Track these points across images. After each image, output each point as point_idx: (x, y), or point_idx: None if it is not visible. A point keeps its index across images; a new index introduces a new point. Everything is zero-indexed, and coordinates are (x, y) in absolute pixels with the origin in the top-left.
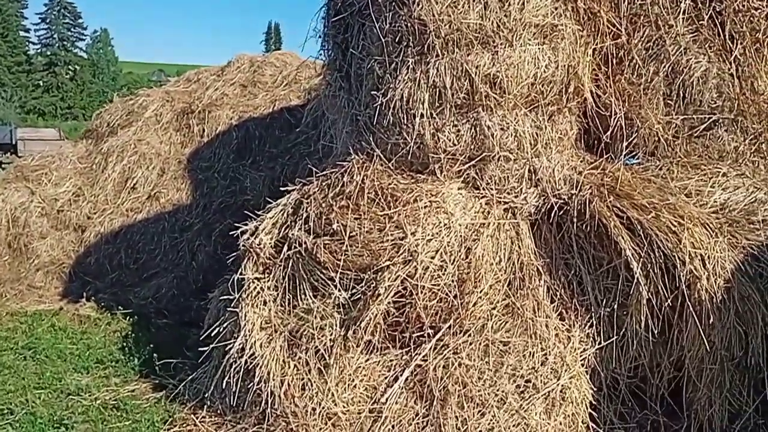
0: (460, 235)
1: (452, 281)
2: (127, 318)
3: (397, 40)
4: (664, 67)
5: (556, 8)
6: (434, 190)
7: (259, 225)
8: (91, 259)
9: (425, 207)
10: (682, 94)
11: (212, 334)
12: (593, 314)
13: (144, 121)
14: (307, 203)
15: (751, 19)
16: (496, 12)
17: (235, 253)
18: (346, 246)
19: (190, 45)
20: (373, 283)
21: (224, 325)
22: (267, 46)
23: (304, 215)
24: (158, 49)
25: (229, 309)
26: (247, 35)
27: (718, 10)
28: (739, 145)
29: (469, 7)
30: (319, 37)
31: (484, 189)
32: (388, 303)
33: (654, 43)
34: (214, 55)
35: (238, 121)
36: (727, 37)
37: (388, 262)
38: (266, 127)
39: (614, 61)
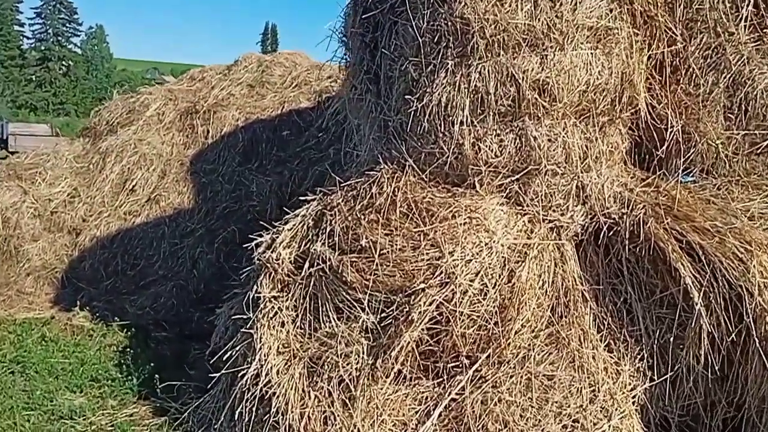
0: (503, 257)
1: (493, 307)
2: (124, 330)
3: (435, 40)
4: (725, 77)
5: (611, 10)
6: (474, 205)
7: (276, 237)
8: (85, 265)
9: (464, 224)
10: (744, 107)
11: (219, 354)
12: (644, 346)
13: (145, 120)
14: (331, 215)
15: None
16: (547, 12)
17: (239, 263)
18: (376, 265)
19: (186, 44)
20: (405, 307)
21: (236, 347)
22: (263, 46)
23: (328, 228)
24: (152, 46)
25: (242, 329)
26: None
27: None
28: None
29: (517, 6)
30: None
31: (527, 205)
32: (422, 330)
33: (713, 51)
34: (209, 55)
35: (244, 123)
36: None
37: (423, 285)
38: (274, 129)
39: (669, 70)
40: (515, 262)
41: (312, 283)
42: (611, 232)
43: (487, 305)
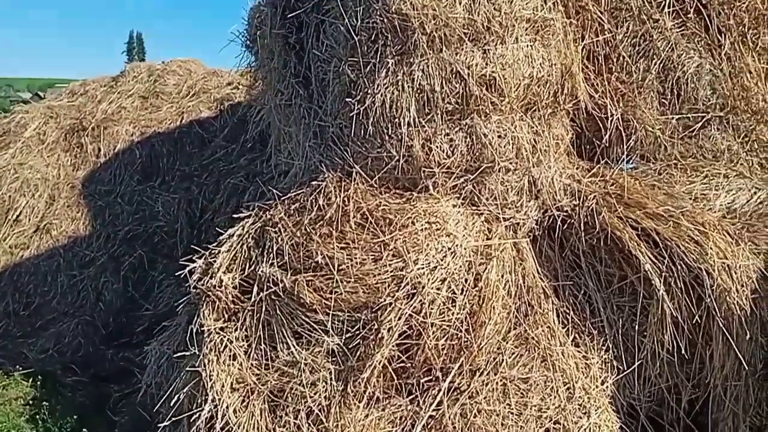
0: (467, 261)
1: (463, 314)
2: (29, 379)
3: (371, 38)
4: (655, 63)
5: (545, 1)
6: (431, 209)
7: (213, 261)
8: None
9: (424, 230)
10: (676, 92)
11: (151, 397)
12: (607, 337)
13: (24, 141)
14: (275, 232)
15: (737, 11)
16: (485, 5)
17: (150, 291)
18: (336, 282)
19: (40, 57)
20: (373, 325)
21: (179, 388)
22: (130, 56)
23: (275, 247)
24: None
25: (184, 367)
26: (105, 47)
27: (703, 2)
28: (732, 144)
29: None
30: (244, 41)
31: (482, 205)
32: (392, 346)
33: (641, 38)
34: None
35: (140, 138)
36: (715, 31)
37: (389, 299)
38: (174, 142)
39: (602, 59)
40: (479, 264)
41: (263, 308)
42: (565, 225)
43: (458, 313)
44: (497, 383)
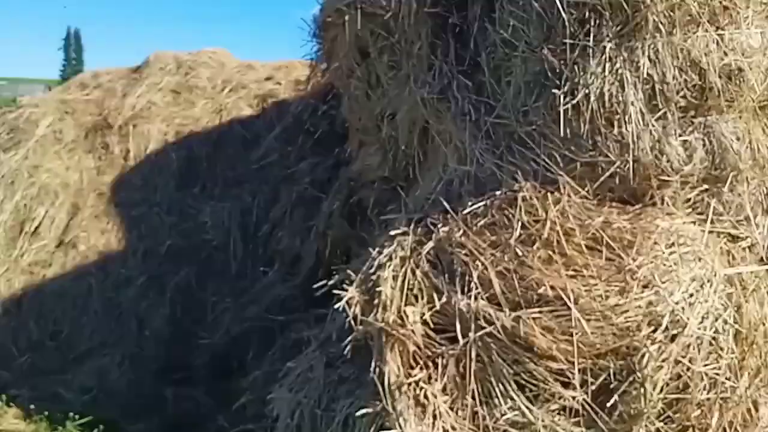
0: (726, 292)
1: (729, 359)
2: (83, 427)
3: (582, 17)
4: None
5: None
6: (673, 227)
7: (373, 289)
8: None
9: (672, 254)
10: None
11: None
12: None
13: (38, 140)
14: (467, 255)
15: None
16: None
17: (204, 315)
18: (574, 320)
19: None
20: (629, 375)
21: None
22: (66, 53)
23: (471, 273)
24: None
25: (369, 428)
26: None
27: None
28: None
29: None
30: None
31: (719, 221)
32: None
33: None
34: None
35: (175, 138)
36: None
37: (647, 341)
38: (214, 144)
39: None
40: (738, 296)
41: (473, 353)
42: None
43: (726, 357)
44: None
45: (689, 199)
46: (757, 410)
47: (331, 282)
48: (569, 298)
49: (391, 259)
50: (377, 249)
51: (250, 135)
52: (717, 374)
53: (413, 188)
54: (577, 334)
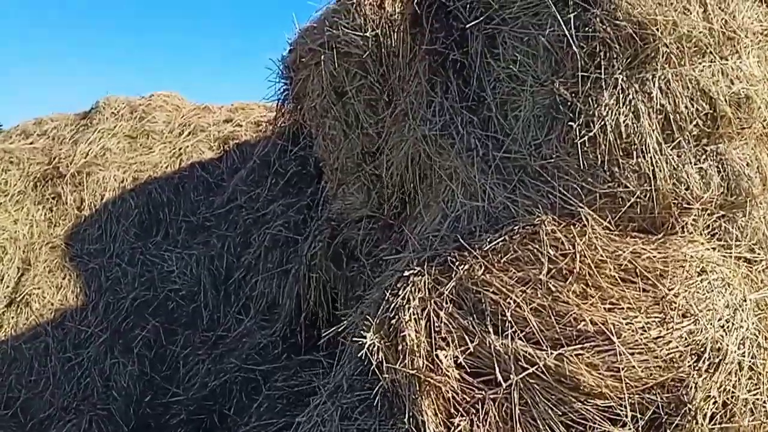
0: (758, 316)
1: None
2: None
3: (591, 49)
4: None
5: (766, 13)
6: (699, 254)
7: (406, 335)
8: None
9: (703, 281)
10: None
11: None
12: None
13: None
14: (495, 293)
15: None
16: (718, 13)
17: (175, 371)
18: (617, 355)
19: None
20: (677, 408)
21: None
22: None
23: (504, 312)
24: None
25: None
26: None
27: None
28: None
29: (689, 5)
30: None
31: (734, 246)
32: None
33: None
34: None
35: (133, 185)
36: None
37: (693, 372)
38: (175, 189)
39: None
40: (765, 319)
41: (516, 396)
42: None
43: (766, 381)
44: None
45: (708, 226)
46: None
47: (340, 327)
48: (611, 332)
49: (409, 300)
50: (389, 291)
51: (212, 178)
52: (757, 399)
53: (413, 225)
54: (623, 369)
